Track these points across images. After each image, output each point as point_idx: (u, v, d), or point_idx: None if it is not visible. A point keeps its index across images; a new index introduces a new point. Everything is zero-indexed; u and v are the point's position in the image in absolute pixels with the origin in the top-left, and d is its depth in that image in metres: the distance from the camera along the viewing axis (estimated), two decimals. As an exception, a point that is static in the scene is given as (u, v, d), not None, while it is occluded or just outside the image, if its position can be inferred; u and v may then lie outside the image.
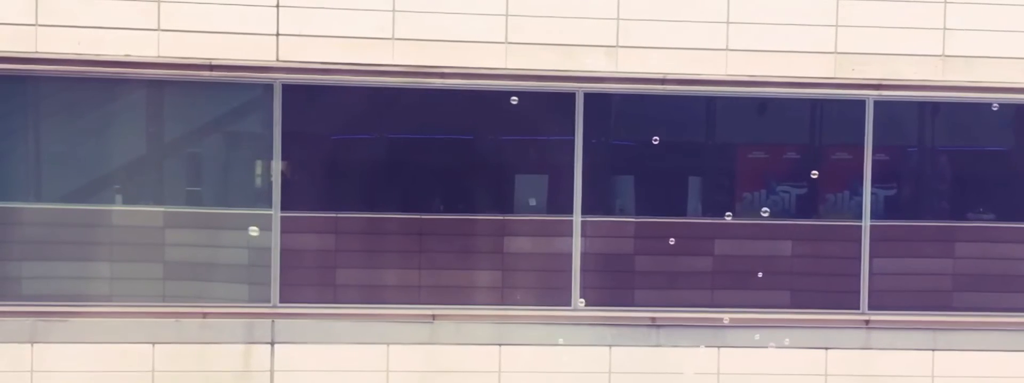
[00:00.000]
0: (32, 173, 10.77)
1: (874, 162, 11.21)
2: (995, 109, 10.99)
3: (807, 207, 11.35)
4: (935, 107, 11.38)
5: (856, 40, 11.02)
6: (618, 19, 10.88)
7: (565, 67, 10.86)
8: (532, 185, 11.22)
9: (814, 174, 10.35)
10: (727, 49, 10.95)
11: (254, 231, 10.38)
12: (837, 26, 11.01)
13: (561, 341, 10.89)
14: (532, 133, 11.20)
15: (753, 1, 10.96)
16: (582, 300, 10.84)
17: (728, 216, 10.92)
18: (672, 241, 10.96)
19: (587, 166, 10.99)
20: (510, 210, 11.08)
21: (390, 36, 10.71)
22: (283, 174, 10.82)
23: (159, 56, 10.51)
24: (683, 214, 11.29)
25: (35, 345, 10.57)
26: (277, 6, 10.60)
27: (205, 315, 10.74)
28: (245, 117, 11.06)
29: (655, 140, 10.74)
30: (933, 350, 11.22)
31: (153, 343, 10.66)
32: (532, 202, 11.16)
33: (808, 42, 10.99)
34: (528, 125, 11.11)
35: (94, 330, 10.59)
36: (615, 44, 10.87)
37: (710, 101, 11.21)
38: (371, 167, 11.07)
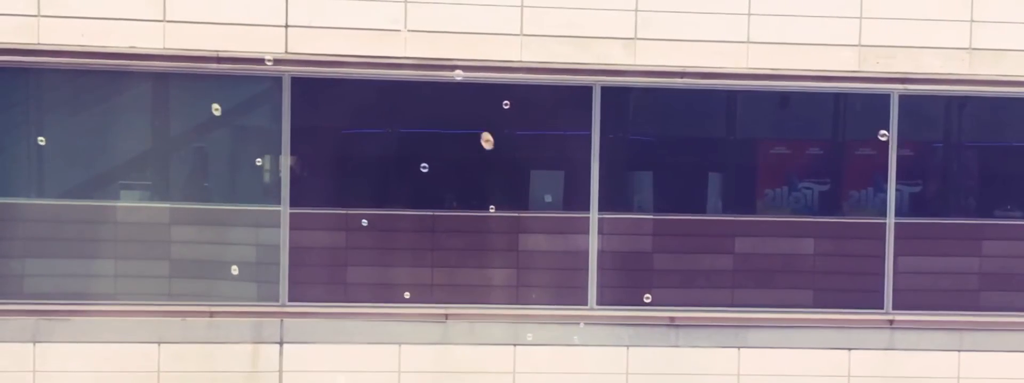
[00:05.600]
0: (34, 168, 10.61)
1: (899, 158, 11.03)
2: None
3: (830, 204, 11.14)
4: (962, 101, 11.17)
5: (881, 32, 10.86)
6: (636, 11, 10.70)
7: (582, 60, 10.70)
8: (548, 181, 11.04)
9: None
10: (748, 42, 10.78)
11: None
12: (861, 18, 10.85)
13: (576, 339, 10.73)
14: (548, 128, 11.01)
15: (775, -8, 10.83)
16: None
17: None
18: (691, 239, 10.80)
19: (604, 161, 10.80)
20: (525, 207, 10.90)
21: (402, 28, 10.56)
22: (292, 169, 10.68)
23: (165, 48, 10.39)
24: (702, 211, 11.09)
25: (37, 344, 10.46)
26: (286, -4, 10.46)
27: (212, 314, 10.60)
28: (253, 111, 10.90)
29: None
30: (959, 351, 11.07)
31: (159, 343, 10.54)
32: (548, 198, 10.97)
33: (831, 35, 10.84)
34: (543, 120, 10.93)
35: (98, 329, 10.49)
36: (633, 36, 10.70)
37: (731, 95, 11.01)
38: (382, 162, 10.93)
